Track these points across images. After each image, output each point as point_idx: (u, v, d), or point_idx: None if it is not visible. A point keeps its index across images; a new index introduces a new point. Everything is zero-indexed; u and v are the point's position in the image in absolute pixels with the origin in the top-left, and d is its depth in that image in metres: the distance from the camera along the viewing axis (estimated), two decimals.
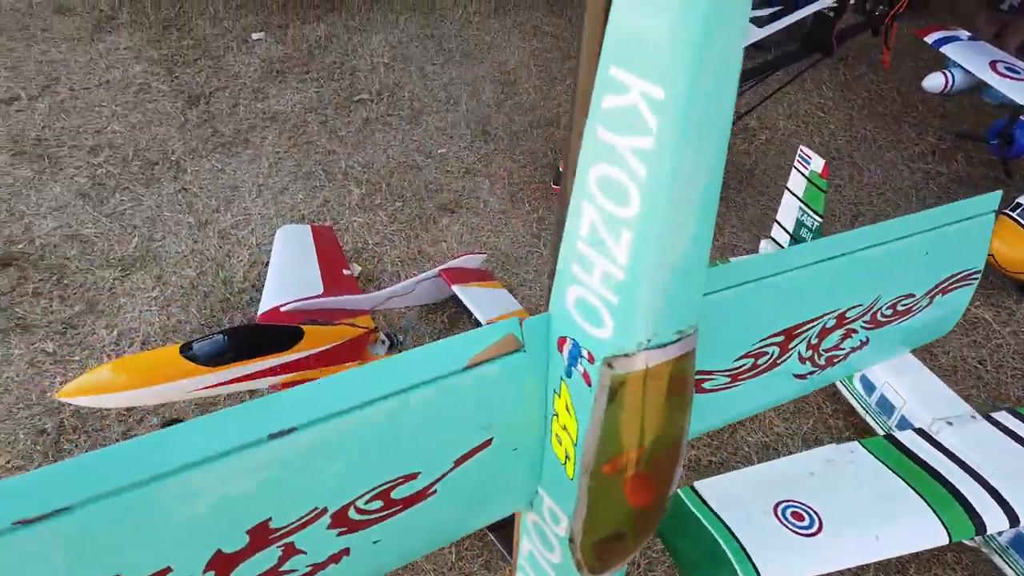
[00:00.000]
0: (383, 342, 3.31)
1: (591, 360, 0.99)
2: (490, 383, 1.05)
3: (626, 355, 0.95)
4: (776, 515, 2.26)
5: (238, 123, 4.74)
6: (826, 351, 1.50)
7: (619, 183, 0.89)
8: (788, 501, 2.31)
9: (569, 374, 1.04)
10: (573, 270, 0.98)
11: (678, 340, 0.97)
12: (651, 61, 0.82)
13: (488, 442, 1.09)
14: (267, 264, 3.57)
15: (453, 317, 3.67)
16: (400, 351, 2.96)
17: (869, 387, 3.14)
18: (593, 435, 1.02)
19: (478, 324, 3.54)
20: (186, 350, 2.68)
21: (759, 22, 4.62)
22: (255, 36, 5.48)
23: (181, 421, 2.21)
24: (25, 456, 2.91)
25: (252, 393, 2.96)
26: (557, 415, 1.10)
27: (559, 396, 1.08)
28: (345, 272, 3.64)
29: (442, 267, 3.59)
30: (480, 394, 1.05)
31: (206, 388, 2.75)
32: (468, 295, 3.55)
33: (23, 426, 3.00)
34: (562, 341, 1.04)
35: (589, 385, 1.00)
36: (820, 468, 2.45)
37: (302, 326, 3.07)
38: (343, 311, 3.36)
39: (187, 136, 4.59)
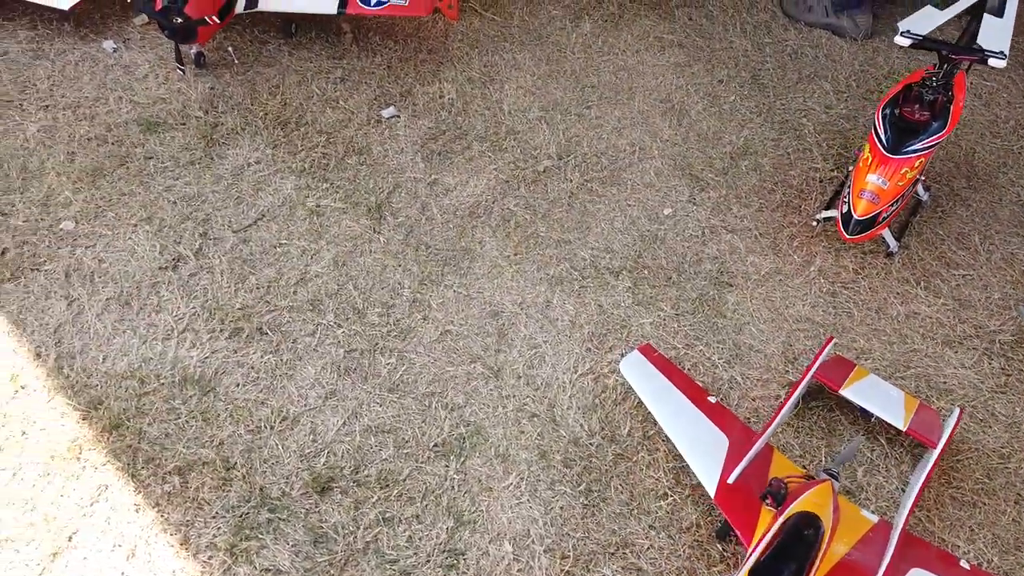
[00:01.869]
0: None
1: None
2: None
3: None
4: None
5: (443, 230, 4.11)
6: None
7: None
8: None
9: None
10: None
11: None
12: None
13: None
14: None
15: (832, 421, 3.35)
16: None
17: None
18: None
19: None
20: None
21: None
22: (386, 114, 4.73)
23: None
24: None
25: None
26: None
27: None
28: (711, 399, 3.23)
29: (813, 371, 3.23)
30: None
31: None
32: (856, 394, 3.23)
33: None
34: None
35: None
36: None
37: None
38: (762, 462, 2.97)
39: (403, 262, 3.92)
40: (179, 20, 4.52)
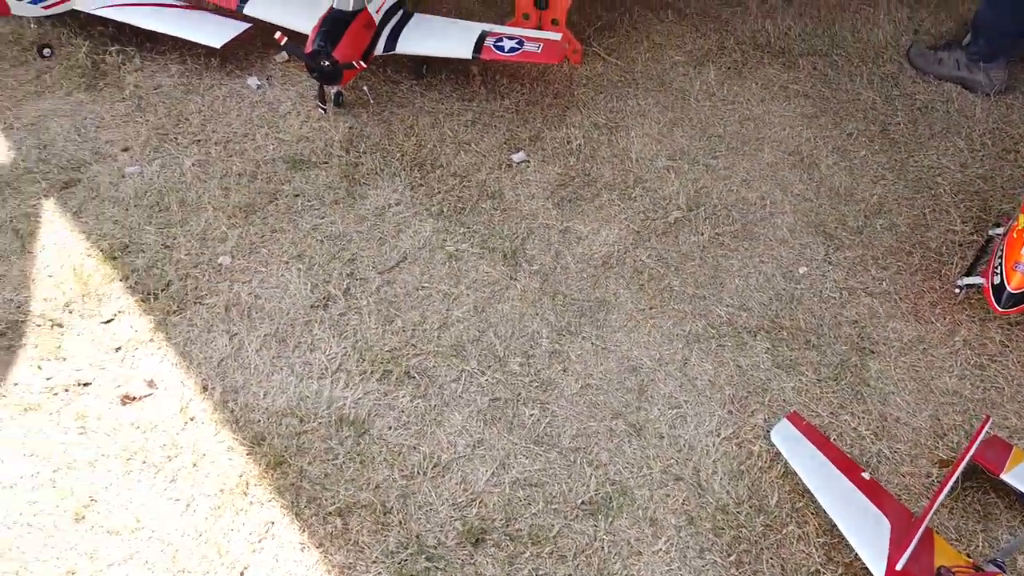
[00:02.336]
0: None
1: None
2: None
3: None
4: None
5: (577, 279, 4.17)
6: None
7: None
8: None
9: None
10: None
11: None
12: None
13: None
14: None
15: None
16: None
17: None
18: None
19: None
20: None
21: None
22: (516, 158, 4.84)
23: None
24: None
25: None
26: None
27: None
28: (864, 475, 3.19)
29: (972, 452, 3.17)
30: None
31: None
32: (1018, 479, 3.15)
33: None
34: None
35: None
36: None
37: None
38: None
39: (539, 310, 3.98)
40: (327, 63, 4.73)
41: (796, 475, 3.25)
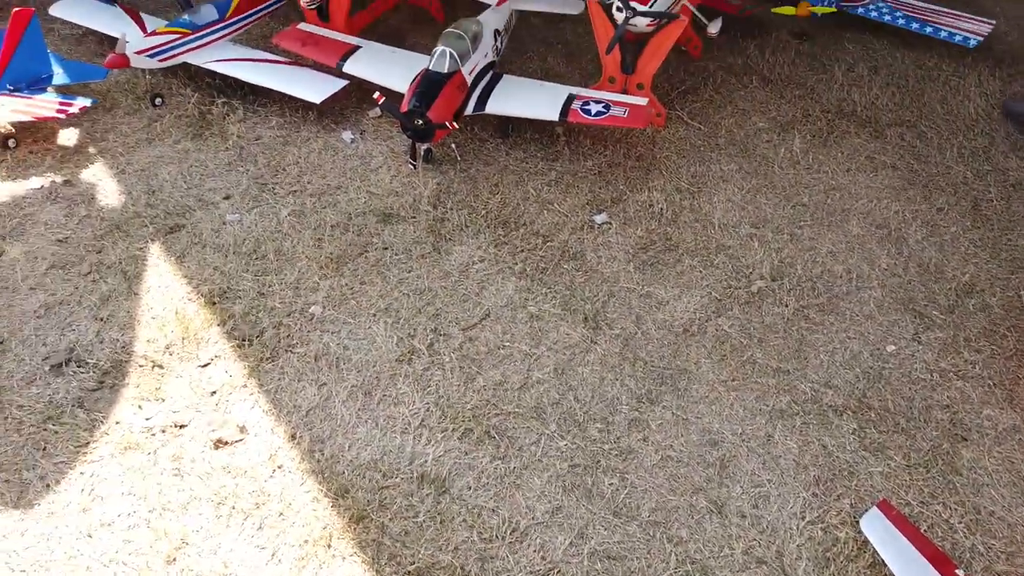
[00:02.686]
0: None
1: None
2: None
3: None
4: None
5: (658, 346, 4.17)
6: None
7: None
8: None
9: None
10: None
11: None
12: None
13: None
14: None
15: None
16: None
17: None
18: None
19: None
20: None
21: None
22: (598, 220, 4.90)
23: None
24: None
25: None
26: None
27: None
28: (959, 572, 3.07)
29: None
30: None
31: None
32: None
33: None
34: None
35: None
36: None
37: None
38: None
39: (619, 375, 3.98)
40: (421, 123, 4.91)
41: (886, 567, 3.15)
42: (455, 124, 4.94)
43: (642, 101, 5.28)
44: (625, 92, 5.64)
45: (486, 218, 4.88)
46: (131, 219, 4.67)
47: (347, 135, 5.46)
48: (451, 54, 5.04)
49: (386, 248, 4.64)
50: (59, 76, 5.29)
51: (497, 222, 4.87)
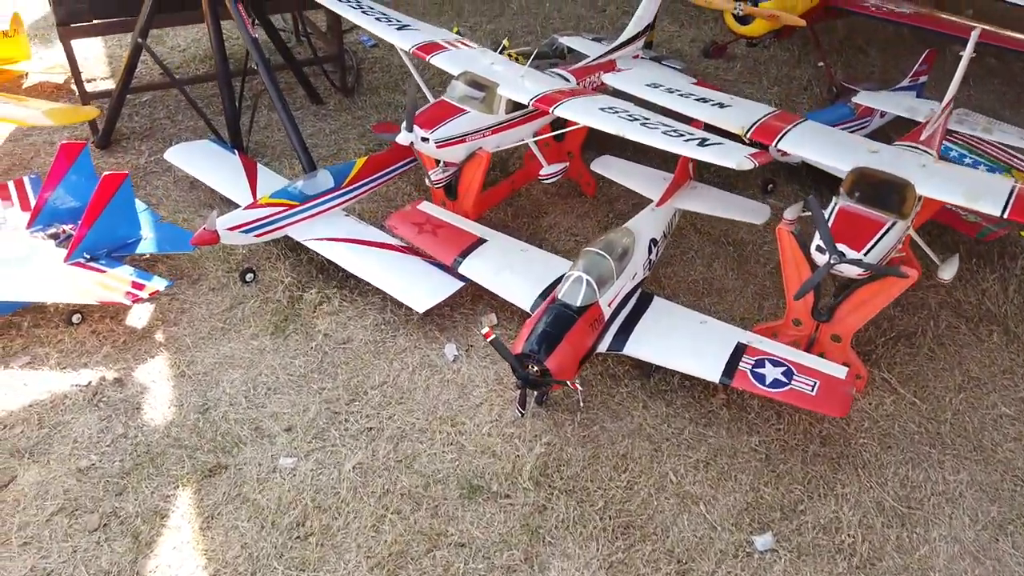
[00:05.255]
0: None
1: None
2: None
3: None
4: None
5: None
6: None
7: None
8: None
9: None
10: None
11: None
12: None
13: None
14: None
15: None
16: None
17: None
18: None
19: None
20: None
21: None
22: (759, 544, 3.45)
23: None
24: None
25: None
26: None
27: None
28: None
29: None
30: None
31: None
32: None
33: None
34: None
35: None
36: None
37: None
38: None
39: None
40: (536, 370, 3.83)
41: None
42: (579, 386, 3.80)
43: (840, 372, 3.90)
44: (814, 341, 4.31)
45: (603, 515, 3.61)
46: (169, 448, 3.82)
47: (450, 350, 4.45)
48: (587, 282, 3.93)
49: (462, 545, 3.48)
50: (146, 243, 4.70)
51: (617, 525, 3.57)
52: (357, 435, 3.94)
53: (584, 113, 4.45)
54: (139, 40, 5.47)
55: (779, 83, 7.46)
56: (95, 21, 5.65)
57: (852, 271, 3.85)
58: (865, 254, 3.80)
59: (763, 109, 4.71)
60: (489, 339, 3.78)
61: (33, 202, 4.78)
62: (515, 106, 4.84)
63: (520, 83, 4.82)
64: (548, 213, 5.59)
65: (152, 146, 6.04)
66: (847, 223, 3.95)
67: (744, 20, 6.56)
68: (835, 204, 4.07)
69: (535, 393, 4.04)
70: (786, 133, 4.39)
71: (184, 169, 5.38)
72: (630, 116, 4.43)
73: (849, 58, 8.01)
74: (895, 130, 5.88)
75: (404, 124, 4.68)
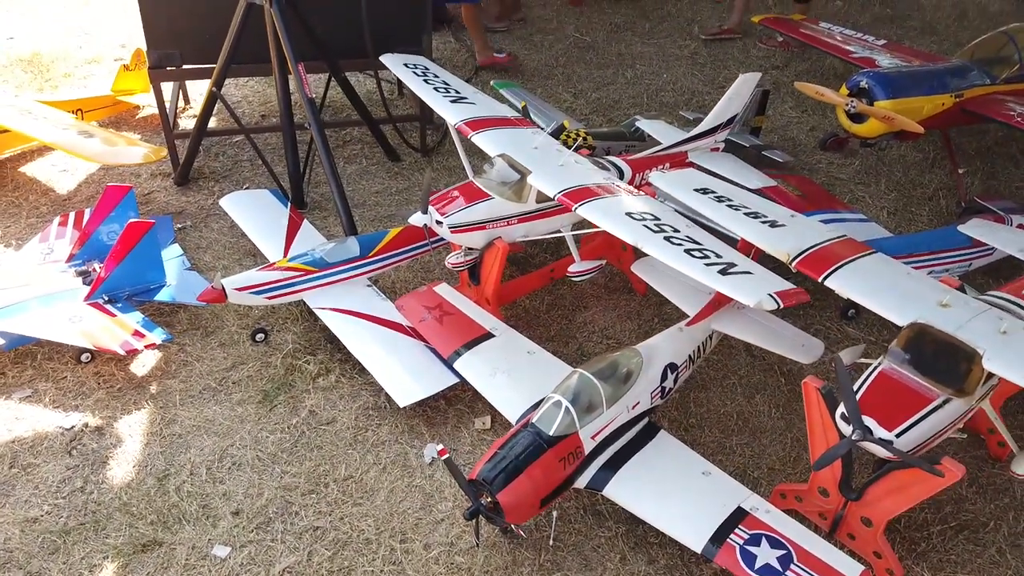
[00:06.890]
0: None
1: None
2: None
3: None
4: None
5: None
6: None
7: None
8: None
9: None
10: None
11: None
12: None
13: None
14: None
15: None
16: None
17: None
18: None
19: None
20: None
21: None
22: None
23: None
24: None
25: None
26: None
27: None
28: None
29: None
30: None
31: None
32: None
33: None
34: None
35: None
36: None
37: None
38: None
39: None
40: (488, 501, 3.40)
41: None
42: (521, 531, 3.35)
43: (853, 570, 3.15)
44: (839, 521, 3.59)
45: None
46: (116, 512, 3.72)
47: (429, 451, 4.08)
48: (567, 409, 3.46)
49: None
50: (166, 291, 4.77)
51: None
52: (300, 533, 3.68)
53: (605, 216, 4.01)
54: (213, 89, 5.71)
55: (899, 188, 6.58)
56: (185, 67, 5.97)
57: (879, 451, 3.15)
58: (899, 435, 3.10)
59: (827, 233, 4.06)
60: (443, 457, 3.43)
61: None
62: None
63: (556, 172, 4.48)
64: (587, 308, 5.15)
65: (225, 187, 6.23)
66: (887, 391, 3.24)
67: (858, 118, 5.84)
68: (879, 363, 3.38)
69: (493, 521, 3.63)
70: (839, 268, 3.74)
71: (232, 217, 5.49)
72: (658, 226, 3.96)
73: (997, 168, 6.97)
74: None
75: (420, 205, 4.48)
